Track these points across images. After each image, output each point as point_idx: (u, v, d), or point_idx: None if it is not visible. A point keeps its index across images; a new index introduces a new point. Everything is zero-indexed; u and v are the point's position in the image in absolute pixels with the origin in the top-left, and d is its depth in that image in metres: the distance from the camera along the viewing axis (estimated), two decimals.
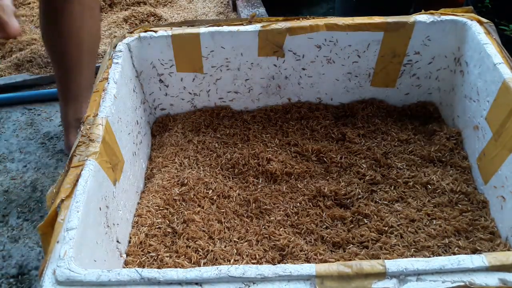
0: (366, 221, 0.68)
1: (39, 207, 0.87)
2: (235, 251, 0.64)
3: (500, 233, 0.64)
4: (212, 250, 0.64)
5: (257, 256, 0.63)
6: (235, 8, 1.42)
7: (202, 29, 0.78)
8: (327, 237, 0.66)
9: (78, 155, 0.58)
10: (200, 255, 0.64)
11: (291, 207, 0.71)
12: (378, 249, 0.63)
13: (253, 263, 0.62)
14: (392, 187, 0.73)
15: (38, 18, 1.37)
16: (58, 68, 0.92)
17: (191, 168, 0.78)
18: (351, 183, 0.74)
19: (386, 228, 0.66)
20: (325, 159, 0.78)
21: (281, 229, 0.67)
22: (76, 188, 0.54)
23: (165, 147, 0.82)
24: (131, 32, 0.78)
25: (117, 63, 0.72)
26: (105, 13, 1.43)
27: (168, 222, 0.69)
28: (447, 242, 0.63)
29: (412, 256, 0.62)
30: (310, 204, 0.71)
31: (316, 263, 0.57)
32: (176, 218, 0.70)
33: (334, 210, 0.70)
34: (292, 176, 0.76)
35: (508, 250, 0.62)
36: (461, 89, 0.78)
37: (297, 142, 0.81)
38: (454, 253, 0.62)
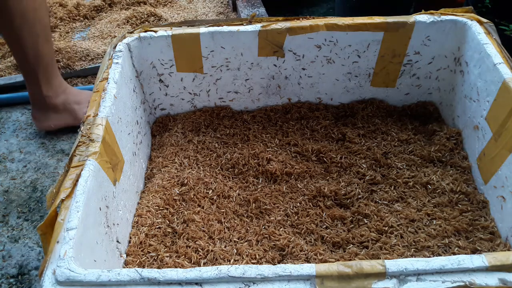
0: (366, 221, 0.68)
1: (39, 207, 0.87)
2: (235, 251, 0.64)
3: (500, 233, 0.64)
4: (212, 250, 0.64)
5: (257, 256, 0.63)
6: (235, 8, 1.42)
7: (202, 29, 0.78)
8: (327, 237, 0.66)
9: (78, 155, 0.58)
10: (200, 255, 0.64)
11: (291, 207, 0.71)
12: (378, 249, 0.63)
13: (253, 263, 0.62)
14: (392, 187, 0.73)
15: None
16: (8, 43, 0.90)
17: (191, 168, 0.78)
18: (351, 183, 0.74)
19: (386, 228, 0.66)
20: (325, 159, 0.78)
21: (281, 229, 0.67)
22: (76, 188, 0.54)
23: (165, 147, 0.82)
24: (131, 32, 0.78)
25: (117, 63, 0.72)
26: (105, 13, 1.43)
27: (168, 222, 0.69)
28: (447, 242, 0.63)
29: (412, 256, 0.62)
30: (310, 204, 0.71)
31: (316, 263, 0.57)
32: (176, 218, 0.70)
33: (334, 210, 0.70)
34: (292, 176, 0.76)
35: (508, 250, 0.62)
36: (461, 89, 0.78)
37: (297, 142, 0.81)
38: (454, 253, 0.62)
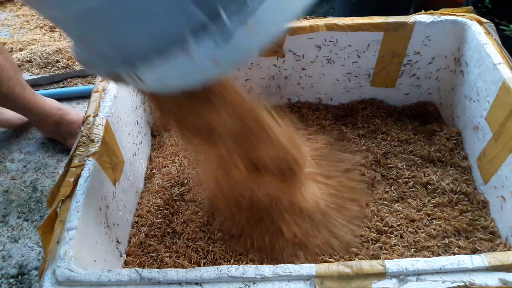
0: (366, 221, 0.68)
1: (39, 207, 0.87)
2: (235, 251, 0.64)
3: (500, 233, 0.64)
4: (212, 250, 0.64)
5: None
6: None
7: None
8: None
9: (78, 155, 0.58)
10: (200, 255, 0.64)
11: None
12: (378, 249, 0.63)
13: (253, 263, 0.62)
14: (392, 187, 0.73)
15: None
16: None
17: (191, 168, 0.78)
18: None
19: (386, 228, 0.66)
20: None
21: None
22: (76, 188, 0.54)
23: (165, 147, 0.82)
24: None
25: None
26: None
27: (168, 222, 0.69)
28: (447, 242, 0.63)
29: (412, 256, 0.62)
30: None
31: (316, 263, 0.57)
32: (176, 218, 0.70)
33: None
34: None
35: (508, 250, 0.62)
36: (461, 89, 0.78)
37: None
38: (454, 253, 0.62)
